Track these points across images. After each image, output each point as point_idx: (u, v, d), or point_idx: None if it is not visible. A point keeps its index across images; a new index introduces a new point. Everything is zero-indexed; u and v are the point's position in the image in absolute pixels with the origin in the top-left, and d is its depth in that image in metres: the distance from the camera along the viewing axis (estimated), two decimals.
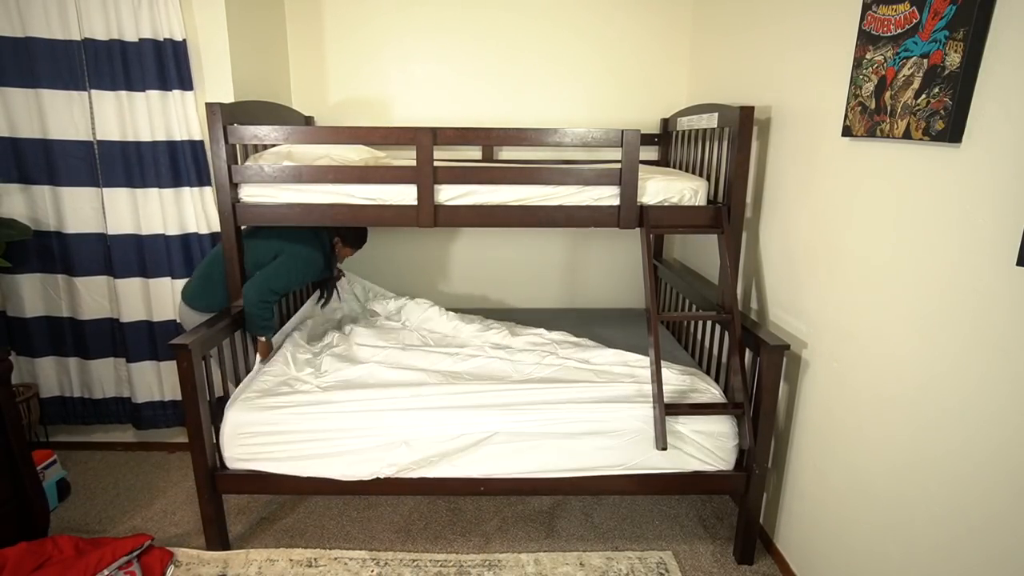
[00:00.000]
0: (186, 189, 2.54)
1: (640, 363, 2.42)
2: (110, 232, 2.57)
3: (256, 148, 2.48)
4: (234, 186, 2.22)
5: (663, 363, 2.19)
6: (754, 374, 2.08)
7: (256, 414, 2.07)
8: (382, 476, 2.06)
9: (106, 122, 2.46)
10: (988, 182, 1.29)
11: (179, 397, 2.68)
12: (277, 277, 2.32)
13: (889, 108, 1.54)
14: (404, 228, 3.29)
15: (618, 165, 2.17)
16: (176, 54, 2.39)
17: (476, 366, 2.41)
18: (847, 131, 1.72)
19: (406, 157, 2.68)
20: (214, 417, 2.10)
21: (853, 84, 1.69)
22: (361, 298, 3.12)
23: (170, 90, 2.43)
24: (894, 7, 1.52)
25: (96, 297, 2.66)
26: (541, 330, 2.74)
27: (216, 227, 2.57)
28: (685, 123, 2.71)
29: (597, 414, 2.07)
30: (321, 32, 3.07)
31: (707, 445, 2.08)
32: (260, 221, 2.27)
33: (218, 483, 2.10)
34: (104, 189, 2.53)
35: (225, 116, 2.15)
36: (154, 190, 2.53)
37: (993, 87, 1.28)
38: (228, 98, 2.45)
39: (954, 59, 1.33)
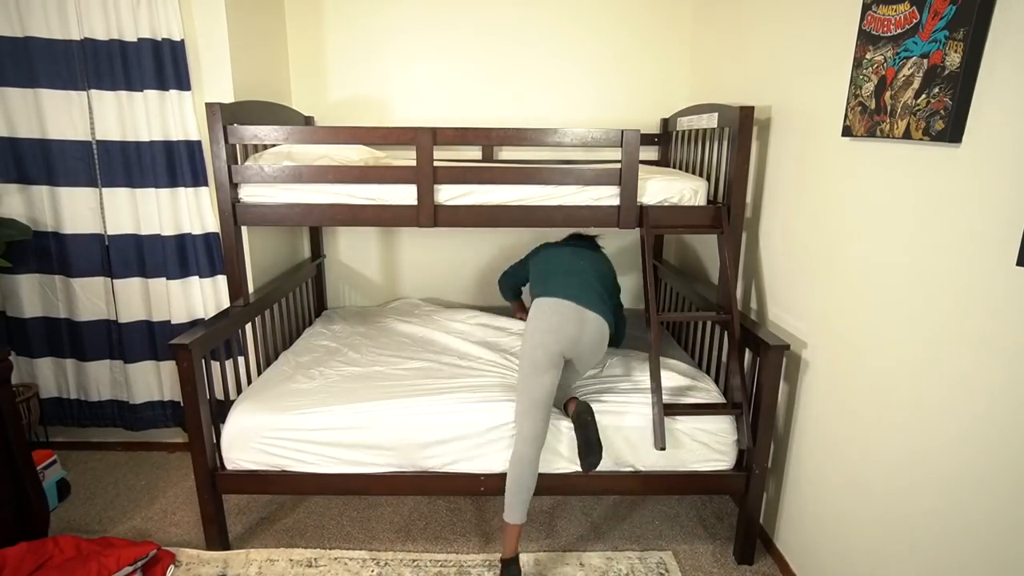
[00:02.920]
0: (181, 189, 2.53)
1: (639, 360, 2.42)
2: (109, 232, 2.57)
3: (256, 148, 2.48)
4: (234, 186, 2.22)
5: (663, 361, 2.19)
6: (754, 374, 2.08)
7: (262, 416, 2.07)
8: (390, 472, 2.07)
9: (105, 122, 2.46)
10: (988, 182, 1.29)
11: (178, 397, 2.69)
12: None
13: (889, 108, 1.54)
14: (404, 228, 3.29)
15: (618, 165, 2.17)
16: (174, 54, 2.39)
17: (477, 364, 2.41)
18: (847, 131, 1.72)
19: (406, 157, 2.68)
20: (215, 417, 2.10)
21: (853, 84, 1.69)
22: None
23: (167, 90, 2.43)
24: (894, 7, 1.52)
25: (92, 299, 2.65)
26: None
27: (210, 228, 2.57)
28: (685, 123, 2.71)
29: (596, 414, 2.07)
30: (321, 32, 3.07)
31: (707, 444, 2.09)
32: (260, 221, 2.27)
33: (218, 483, 2.10)
34: (104, 189, 2.52)
35: (225, 116, 2.15)
36: (151, 190, 2.52)
37: (993, 87, 1.28)
38: (228, 98, 2.44)
39: (954, 59, 1.33)
